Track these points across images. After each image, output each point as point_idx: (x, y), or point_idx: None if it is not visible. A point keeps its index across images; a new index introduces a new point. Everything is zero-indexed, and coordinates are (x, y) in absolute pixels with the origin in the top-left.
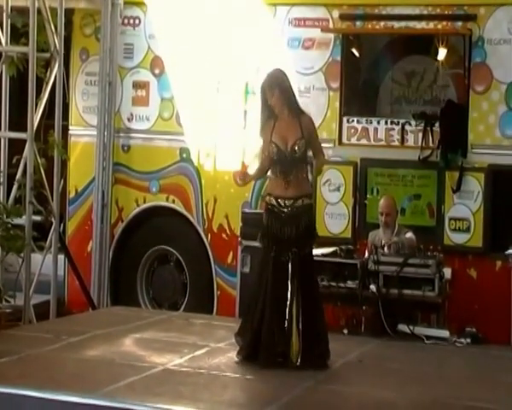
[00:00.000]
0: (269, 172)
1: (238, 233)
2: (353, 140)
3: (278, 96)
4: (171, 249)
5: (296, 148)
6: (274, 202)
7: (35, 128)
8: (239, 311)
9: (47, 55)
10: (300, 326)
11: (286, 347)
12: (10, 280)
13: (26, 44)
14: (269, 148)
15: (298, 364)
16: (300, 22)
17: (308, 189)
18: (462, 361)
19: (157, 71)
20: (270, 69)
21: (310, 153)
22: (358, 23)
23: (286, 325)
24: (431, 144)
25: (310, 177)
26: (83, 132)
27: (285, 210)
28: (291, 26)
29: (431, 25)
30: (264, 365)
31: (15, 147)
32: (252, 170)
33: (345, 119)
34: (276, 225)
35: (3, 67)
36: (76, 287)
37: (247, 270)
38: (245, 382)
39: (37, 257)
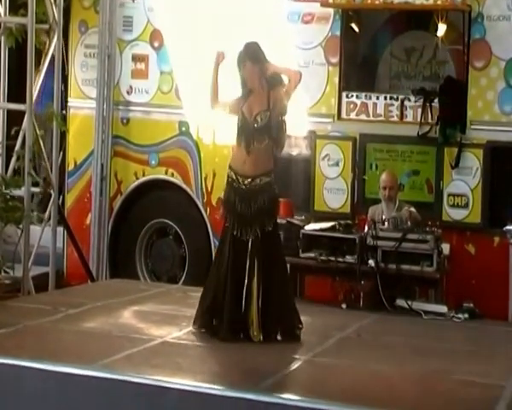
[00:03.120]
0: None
1: None
2: (352, 115)
3: (250, 68)
4: (170, 223)
5: (259, 118)
6: (234, 176)
7: (34, 100)
8: None
9: (46, 26)
10: (260, 304)
11: (245, 324)
12: (9, 251)
13: (25, 15)
14: (238, 115)
15: (260, 340)
16: None
17: (268, 166)
18: (459, 336)
19: (156, 44)
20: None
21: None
22: None
23: (244, 303)
24: (430, 120)
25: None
26: (82, 105)
27: (243, 187)
28: (291, 0)
29: (430, 0)
30: (224, 338)
31: (14, 118)
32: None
33: (344, 94)
34: (234, 199)
35: (2, 38)
36: (75, 259)
37: None
38: (242, 355)
39: (36, 229)
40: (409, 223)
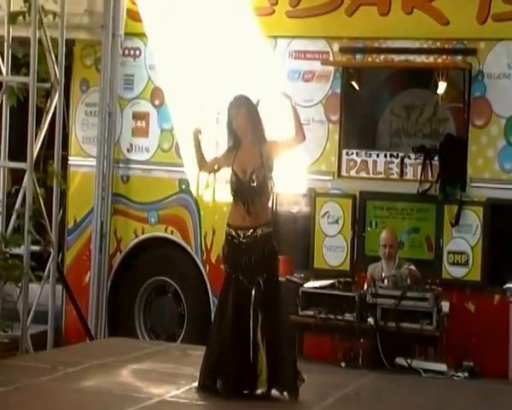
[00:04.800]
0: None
1: None
2: (352, 173)
3: (244, 115)
4: (170, 280)
5: (254, 177)
6: (234, 233)
7: (34, 158)
8: None
9: (47, 85)
10: (265, 354)
11: (252, 377)
12: (8, 310)
13: (27, 74)
14: (230, 176)
15: (265, 391)
16: (300, 55)
17: (267, 217)
18: (459, 395)
19: (157, 102)
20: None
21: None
22: (358, 56)
23: (252, 355)
24: (430, 178)
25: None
26: (82, 163)
27: (244, 241)
28: (291, 59)
29: (431, 58)
30: (228, 395)
31: (14, 177)
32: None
33: (344, 151)
34: (236, 254)
35: (4, 96)
36: (74, 317)
37: None
38: None
39: (35, 287)
40: (408, 281)
